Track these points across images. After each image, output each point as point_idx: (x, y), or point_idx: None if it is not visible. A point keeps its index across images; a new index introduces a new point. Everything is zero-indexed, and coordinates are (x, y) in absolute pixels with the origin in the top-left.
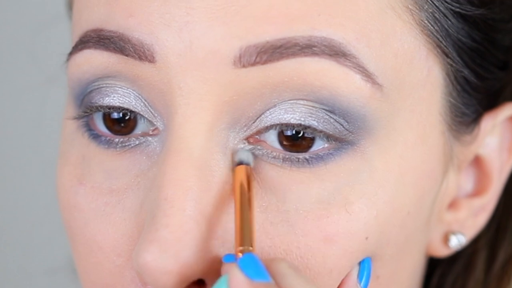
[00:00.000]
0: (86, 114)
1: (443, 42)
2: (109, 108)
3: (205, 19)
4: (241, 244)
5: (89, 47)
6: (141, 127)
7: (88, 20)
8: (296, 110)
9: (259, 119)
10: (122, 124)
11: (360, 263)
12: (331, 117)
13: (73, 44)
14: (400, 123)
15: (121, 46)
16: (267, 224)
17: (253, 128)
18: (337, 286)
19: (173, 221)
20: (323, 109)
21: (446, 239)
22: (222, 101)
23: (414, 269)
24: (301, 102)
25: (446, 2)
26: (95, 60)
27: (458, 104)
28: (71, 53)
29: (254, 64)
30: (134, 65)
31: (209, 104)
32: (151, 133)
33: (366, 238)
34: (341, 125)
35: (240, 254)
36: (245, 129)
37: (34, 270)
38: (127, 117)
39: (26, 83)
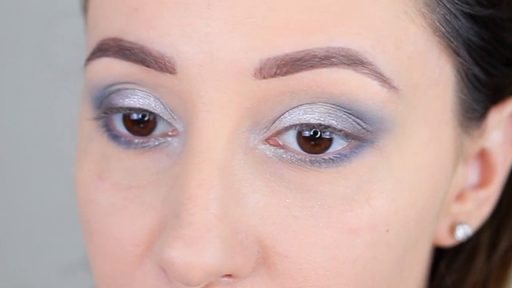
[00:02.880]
0: (105, 115)
1: (454, 42)
2: (129, 109)
3: (225, 31)
4: None
5: (108, 56)
6: (160, 128)
7: (106, 28)
8: (315, 110)
9: (278, 119)
10: (142, 125)
11: None
12: (349, 116)
13: (90, 50)
14: (415, 121)
15: (141, 57)
16: (290, 218)
17: (273, 129)
18: (360, 275)
19: (197, 219)
20: (342, 109)
21: (452, 230)
22: (243, 108)
23: (425, 260)
24: (320, 103)
25: (457, 3)
26: (114, 68)
27: (468, 100)
28: (89, 59)
29: (274, 75)
30: (155, 75)
31: (230, 111)
32: (170, 133)
33: (387, 231)
34: (359, 124)
35: None
36: (264, 130)
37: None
38: (146, 118)
39: (30, 81)
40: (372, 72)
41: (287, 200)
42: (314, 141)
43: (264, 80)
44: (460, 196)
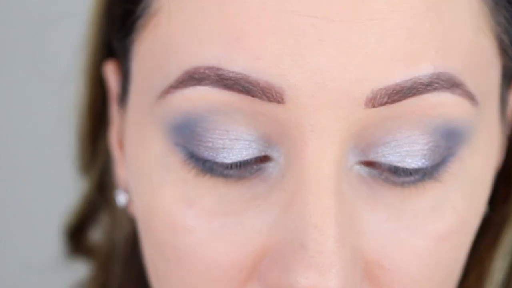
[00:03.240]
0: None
1: (504, 40)
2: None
3: (337, 62)
4: None
5: (205, 85)
6: (249, 152)
7: (199, 55)
8: (408, 160)
9: (375, 153)
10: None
11: None
12: (439, 148)
13: (172, 77)
14: (483, 123)
15: (247, 88)
16: (389, 233)
17: (369, 156)
18: (446, 276)
19: (326, 248)
20: (433, 143)
21: None
22: (350, 133)
23: None
24: (417, 136)
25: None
26: (212, 97)
27: (504, 95)
28: (175, 87)
29: (384, 104)
30: (260, 105)
31: (339, 138)
32: (262, 159)
33: (467, 232)
34: (447, 147)
35: None
36: (361, 154)
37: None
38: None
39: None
40: (465, 92)
41: (384, 216)
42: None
43: (374, 109)
44: None
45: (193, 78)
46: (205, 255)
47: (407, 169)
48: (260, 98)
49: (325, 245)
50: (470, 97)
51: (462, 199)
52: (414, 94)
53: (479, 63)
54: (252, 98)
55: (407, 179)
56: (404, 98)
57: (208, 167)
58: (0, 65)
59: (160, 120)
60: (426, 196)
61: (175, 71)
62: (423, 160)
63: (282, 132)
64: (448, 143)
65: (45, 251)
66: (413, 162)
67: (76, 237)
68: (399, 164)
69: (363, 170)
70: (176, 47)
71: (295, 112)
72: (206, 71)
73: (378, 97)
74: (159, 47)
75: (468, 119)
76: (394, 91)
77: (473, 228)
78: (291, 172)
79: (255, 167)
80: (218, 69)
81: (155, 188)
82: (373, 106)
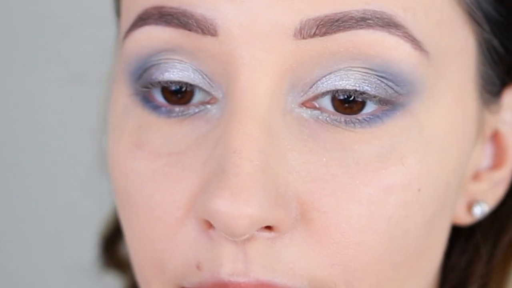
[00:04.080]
0: (145, 89)
1: (476, 13)
2: (169, 83)
3: None
4: None
5: (149, 24)
6: (198, 97)
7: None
8: (351, 76)
9: (315, 85)
10: (179, 96)
11: None
12: (382, 81)
13: (129, 23)
14: (443, 86)
15: (184, 21)
16: (328, 176)
17: (310, 94)
18: (393, 233)
19: (242, 170)
20: (375, 74)
21: (469, 208)
22: (283, 68)
23: (446, 233)
24: (355, 69)
25: None
26: (156, 35)
27: (488, 73)
28: (129, 31)
29: (313, 36)
30: (196, 39)
31: (271, 71)
32: (208, 102)
33: (419, 190)
34: (392, 88)
35: None
36: (301, 94)
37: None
38: (184, 89)
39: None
40: (405, 34)
41: (324, 159)
42: (348, 103)
43: (304, 41)
44: (476, 176)
45: (141, 19)
46: (147, 195)
47: (349, 101)
48: (196, 31)
49: (241, 168)
50: (415, 42)
51: (412, 155)
52: (345, 28)
53: (431, 15)
54: (189, 32)
55: (352, 117)
56: (335, 32)
57: (157, 109)
58: (27, 67)
59: (122, 71)
60: (372, 144)
61: (131, 18)
62: (367, 88)
63: (222, 69)
64: (397, 88)
65: (78, 262)
66: (354, 91)
67: (110, 248)
68: (340, 97)
69: (305, 112)
70: None
71: (228, 44)
72: (152, 11)
73: (307, 27)
74: (126, 2)
75: (413, 65)
76: (323, 22)
77: (431, 196)
78: (227, 108)
79: (201, 107)
80: (160, 7)
81: (116, 138)
82: (303, 38)
